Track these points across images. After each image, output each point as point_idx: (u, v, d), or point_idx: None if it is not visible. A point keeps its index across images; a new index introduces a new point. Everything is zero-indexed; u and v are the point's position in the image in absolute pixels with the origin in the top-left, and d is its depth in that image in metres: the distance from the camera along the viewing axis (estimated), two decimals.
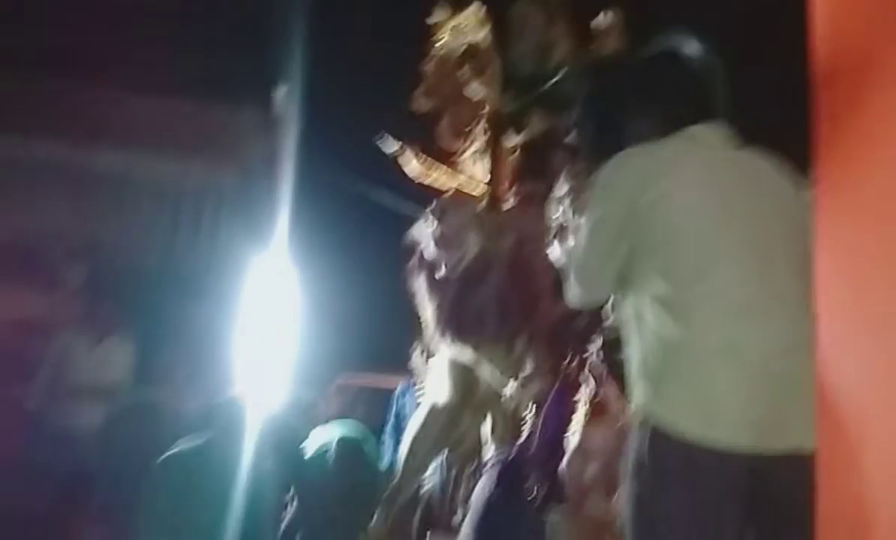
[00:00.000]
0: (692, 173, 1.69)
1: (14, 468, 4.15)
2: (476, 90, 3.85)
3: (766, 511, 1.53)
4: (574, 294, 1.87)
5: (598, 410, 2.43)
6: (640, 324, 1.67)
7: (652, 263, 1.66)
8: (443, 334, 3.28)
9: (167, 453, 2.87)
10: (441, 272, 3.28)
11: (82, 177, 4.97)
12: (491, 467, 2.81)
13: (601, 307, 2.52)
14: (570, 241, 2.65)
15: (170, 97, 5.06)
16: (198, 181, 5.31)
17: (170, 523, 2.70)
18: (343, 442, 3.24)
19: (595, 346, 2.53)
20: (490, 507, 2.66)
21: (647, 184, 1.67)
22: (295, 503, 3.23)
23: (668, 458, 1.52)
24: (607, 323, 2.48)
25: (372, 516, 3.35)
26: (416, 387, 4.67)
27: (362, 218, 5.38)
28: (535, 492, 2.52)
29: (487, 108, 3.83)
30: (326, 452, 3.22)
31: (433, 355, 3.56)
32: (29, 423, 4.49)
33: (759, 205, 1.66)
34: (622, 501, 1.64)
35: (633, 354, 1.67)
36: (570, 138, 3.39)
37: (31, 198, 4.82)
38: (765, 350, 1.55)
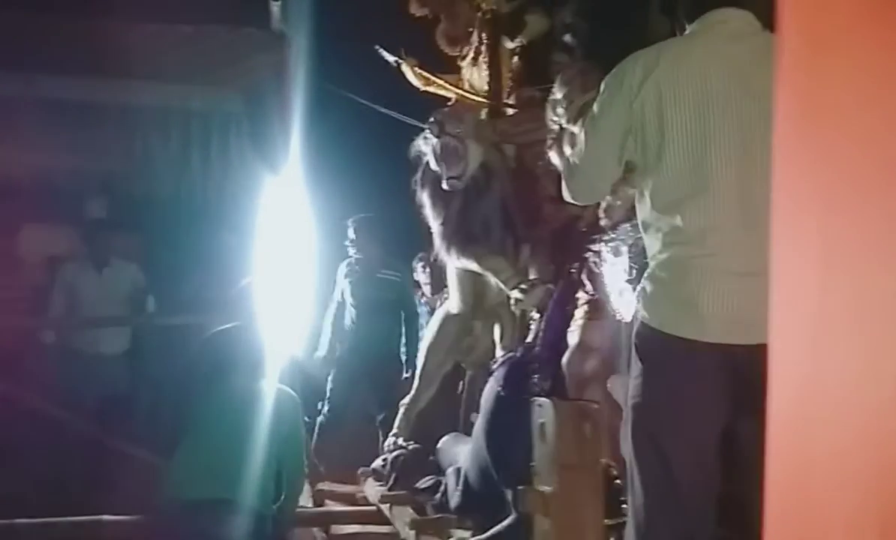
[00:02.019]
0: (689, 71, 1.68)
1: (44, 398, 4.32)
2: None
3: (747, 396, 1.63)
4: (572, 192, 1.92)
5: (596, 308, 2.50)
6: (644, 225, 1.76)
7: (649, 165, 1.70)
8: (449, 247, 3.34)
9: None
10: (444, 185, 3.30)
11: (87, 110, 4.99)
12: (499, 367, 2.93)
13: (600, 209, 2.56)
14: (567, 147, 2.65)
15: (168, 23, 5.01)
16: (204, 105, 5.32)
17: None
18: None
19: (594, 247, 2.58)
20: (499, 404, 2.78)
21: (645, 84, 1.68)
22: None
23: (649, 348, 1.69)
24: (604, 224, 2.52)
25: None
26: (423, 300, 4.79)
27: (371, 132, 5.36)
28: (539, 387, 2.63)
29: (484, 10, 3.75)
30: None
31: (441, 268, 3.63)
32: (49, 353, 4.63)
33: (762, 97, 1.60)
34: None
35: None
36: (567, 38, 3.33)
37: (38, 135, 4.86)
38: (740, 252, 1.61)
